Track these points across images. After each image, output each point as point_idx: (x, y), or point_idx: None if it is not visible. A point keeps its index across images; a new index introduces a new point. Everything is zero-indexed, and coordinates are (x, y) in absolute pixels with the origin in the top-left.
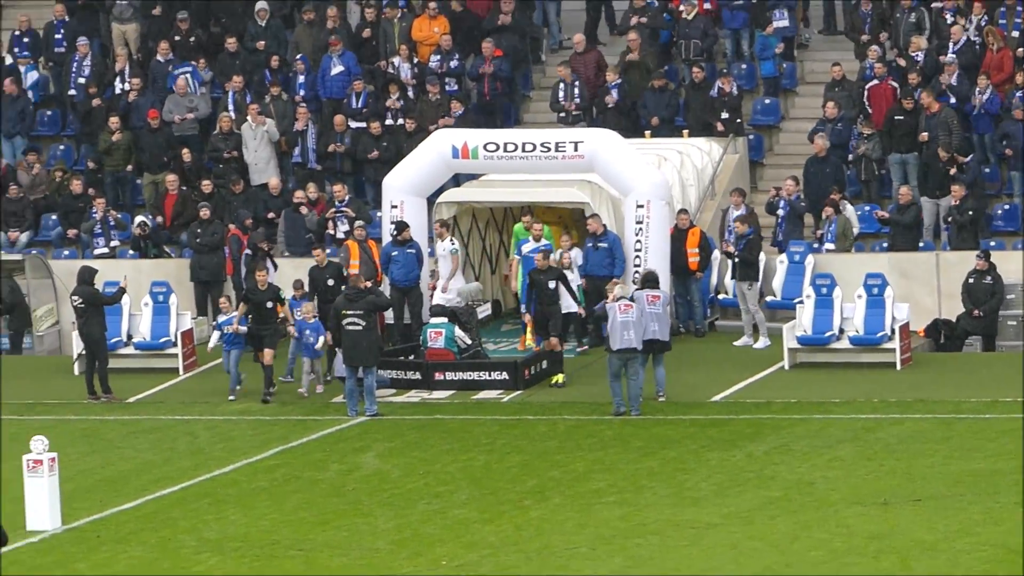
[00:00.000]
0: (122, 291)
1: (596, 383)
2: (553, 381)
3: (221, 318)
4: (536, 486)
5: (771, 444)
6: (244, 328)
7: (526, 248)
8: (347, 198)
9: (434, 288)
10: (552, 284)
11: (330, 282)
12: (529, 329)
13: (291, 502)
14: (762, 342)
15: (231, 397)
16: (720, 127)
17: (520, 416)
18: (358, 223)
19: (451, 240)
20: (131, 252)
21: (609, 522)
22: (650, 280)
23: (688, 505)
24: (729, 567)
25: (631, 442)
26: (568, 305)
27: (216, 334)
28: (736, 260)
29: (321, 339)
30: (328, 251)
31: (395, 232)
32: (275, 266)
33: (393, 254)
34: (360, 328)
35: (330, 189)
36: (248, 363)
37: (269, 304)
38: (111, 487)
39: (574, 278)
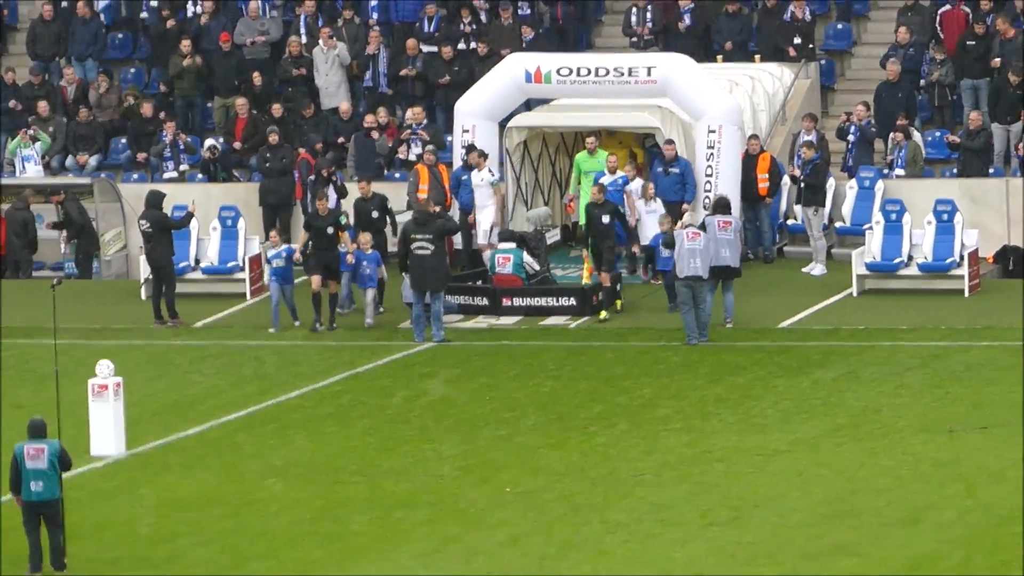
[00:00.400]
0: (190, 215)
1: (663, 310)
2: (601, 317)
3: (270, 252)
4: (602, 412)
5: (838, 371)
6: (301, 257)
7: (603, 182)
8: (424, 122)
9: (473, 222)
10: (606, 219)
11: (374, 214)
12: (587, 264)
13: (357, 428)
14: (819, 269)
15: (271, 330)
16: (792, 52)
17: (587, 342)
18: (429, 147)
19: (489, 170)
20: (200, 176)
21: (675, 449)
22: (722, 206)
23: (754, 432)
24: (795, 494)
25: (698, 369)
26: (646, 236)
27: (268, 268)
28: (802, 185)
29: (381, 268)
30: (398, 176)
31: (465, 155)
32: (340, 193)
33: (463, 178)
34: (428, 252)
35: (401, 114)
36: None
37: (330, 230)
38: (176, 412)
39: (657, 207)
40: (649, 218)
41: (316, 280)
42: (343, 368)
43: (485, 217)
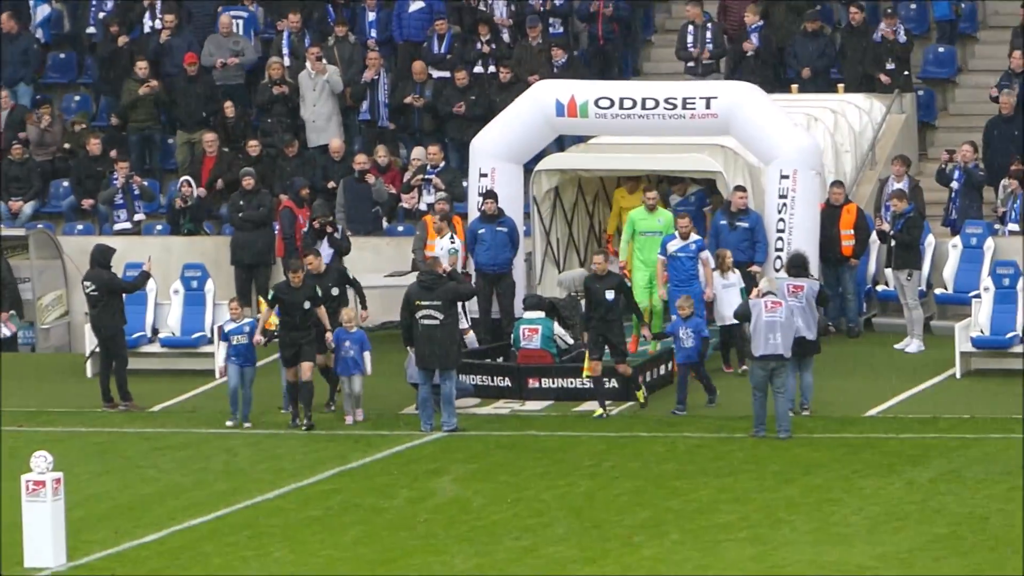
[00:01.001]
0: (145, 276)
1: (724, 392)
2: (640, 400)
3: (229, 326)
4: (650, 519)
5: (937, 470)
6: (263, 339)
7: (672, 247)
8: (441, 165)
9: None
10: (611, 295)
11: (334, 291)
12: (587, 357)
13: (349, 536)
14: (915, 345)
15: (229, 423)
16: (883, 80)
17: (632, 432)
18: (440, 195)
19: (451, 238)
20: (158, 228)
21: (738, 563)
22: (797, 265)
23: (835, 543)
24: None
25: (767, 466)
26: (722, 316)
27: (223, 347)
28: (893, 243)
29: (367, 354)
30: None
31: (481, 204)
32: (340, 249)
33: (480, 231)
34: (437, 322)
35: (405, 153)
36: (267, 378)
37: (306, 304)
38: (129, 515)
39: (737, 279)
40: (727, 293)
41: (291, 372)
42: (333, 463)
43: None
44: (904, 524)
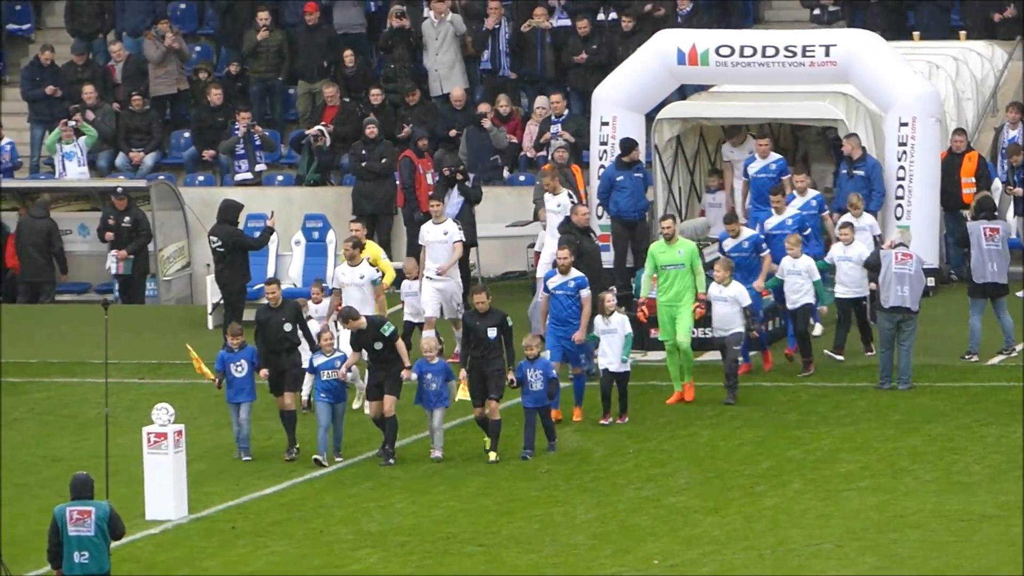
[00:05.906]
0: (269, 231)
1: (849, 341)
2: (490, 458)
3: (318, 360)
4: (772, 468)
5: None
6: (350, 375)
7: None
8: (564, 114)
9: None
10: (492, 332)
11: (287, 327)
12: (462, 386)
13: (471, 486)
14: None
15: (321, 459)
16: (1008, 14)
17: (754, 383)
18: (559, 144)
19: (375, 266)
20: (280, 178)
21: (860, 513)
22: (987, 207)
23: (957, 492)
24: (1007, 567)
25: (889, 415)
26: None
27: (308, 381)
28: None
29: (454, 383)
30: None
31: (621, 152)
32: (471, 198)
33: (618, 179)
34: None
35: (526, 102)
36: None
37: (378, 345)
38: (250, 467)
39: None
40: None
41: (374, 406)
42: (454, 414)
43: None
44: None
